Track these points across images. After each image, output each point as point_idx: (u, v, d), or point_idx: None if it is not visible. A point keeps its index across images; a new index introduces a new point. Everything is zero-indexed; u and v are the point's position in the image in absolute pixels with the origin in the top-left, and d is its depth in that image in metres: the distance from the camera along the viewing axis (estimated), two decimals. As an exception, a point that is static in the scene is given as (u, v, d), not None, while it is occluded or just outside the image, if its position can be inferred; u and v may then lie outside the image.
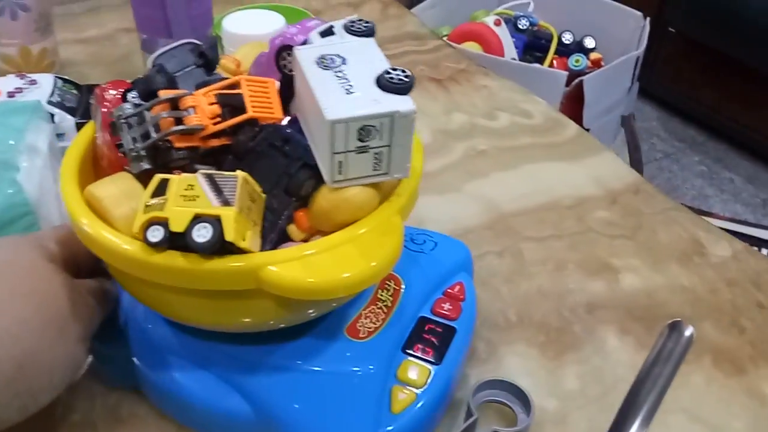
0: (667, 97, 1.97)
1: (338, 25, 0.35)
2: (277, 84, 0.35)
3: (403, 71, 0.32)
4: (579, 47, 1.48)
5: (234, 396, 0.38)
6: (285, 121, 0.35)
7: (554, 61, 1.45)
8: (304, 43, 0.35)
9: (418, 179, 0.36)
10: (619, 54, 1.43)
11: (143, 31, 0.66)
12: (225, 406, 0.38)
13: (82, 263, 0.38)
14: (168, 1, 0.61)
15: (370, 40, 0.35)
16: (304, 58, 0.33)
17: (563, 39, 1.47)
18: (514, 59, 1.41)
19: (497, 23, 1.41)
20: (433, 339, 0.41)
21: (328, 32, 0.35)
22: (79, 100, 0.58)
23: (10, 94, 0.54)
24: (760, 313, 0.51)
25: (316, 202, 0.33)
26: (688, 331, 0.34)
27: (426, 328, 0.41)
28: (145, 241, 0.31)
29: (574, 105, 1.34)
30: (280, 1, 0.83)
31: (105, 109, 0.34)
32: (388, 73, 0.32)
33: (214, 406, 0.38)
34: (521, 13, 1.47)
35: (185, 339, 0.40)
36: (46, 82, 0.57)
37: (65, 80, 0.59)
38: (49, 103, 0.54)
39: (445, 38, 1.15)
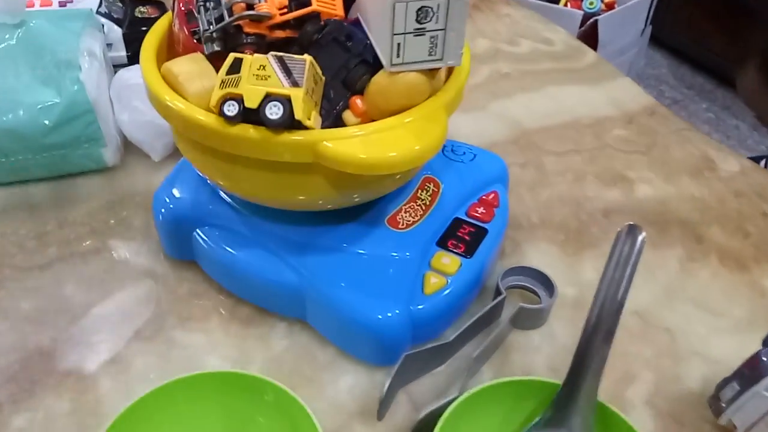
0: (677, 45, 1.97)
1: None
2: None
3: None
4: (593, -11, 1.48)
5: (286, 271, 0.42)
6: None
7: (568, 3, 1.45)
8: None
9: (466, 78, 0.39)
10: (633, -3, 1.43)
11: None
12: (278, 280, 0.42)
13: None
14: None
15: None
16: None
17: (578, -20, 1.46)
18: (529, -2, 1.41)
19: (513, -38, 1.40)
20: (466, 237, 0.45)
21: None
22: (124, 12, 0.60)
23: (61, 4, 0.57)
24: (764, 220, 0.55)
25: (373, 83, 0.36)
26: (641, 236, 0.36)
27: (460, 227, 0.45)
28: (221, 114, 0.34)
29: (587, 45, 1.34)
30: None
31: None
32: None
33: (268, 279, 0.43)
34: (538, -47, 1.46)
35: (245, 218, 0.44)
36: (93, -7, 0.59)
37: (110, -7, 0.61)
38: (98, 13, 0.57)
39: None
